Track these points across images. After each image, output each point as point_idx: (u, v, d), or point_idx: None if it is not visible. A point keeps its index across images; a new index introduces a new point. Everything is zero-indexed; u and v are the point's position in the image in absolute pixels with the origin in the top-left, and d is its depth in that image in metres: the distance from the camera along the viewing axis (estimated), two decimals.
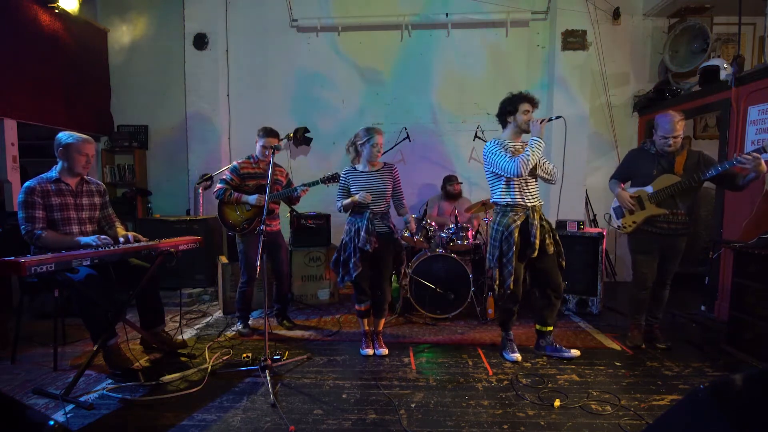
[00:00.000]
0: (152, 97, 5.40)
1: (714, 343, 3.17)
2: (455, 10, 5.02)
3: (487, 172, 2.86)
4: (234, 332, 3.46)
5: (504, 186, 2.79)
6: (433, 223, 3.99)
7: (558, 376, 2.67)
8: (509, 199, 2.78)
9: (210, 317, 3.92)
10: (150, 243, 2.77)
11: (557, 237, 2.86)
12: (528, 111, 2.74)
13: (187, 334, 3.46)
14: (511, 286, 2.77)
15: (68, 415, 2.21)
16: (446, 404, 2.34)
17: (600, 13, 4.90)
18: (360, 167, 2.97)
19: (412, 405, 2.33)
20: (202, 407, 2.29)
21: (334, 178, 3.20)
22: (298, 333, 3.48)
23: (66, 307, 3.09)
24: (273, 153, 3.05)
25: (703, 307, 3.86)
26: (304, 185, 3.29)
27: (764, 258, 2.77)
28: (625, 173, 3.14)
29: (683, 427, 1.09)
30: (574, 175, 4.46)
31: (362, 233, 2.84)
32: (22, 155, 4.18)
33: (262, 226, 2.66)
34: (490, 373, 2.73)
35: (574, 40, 4.90)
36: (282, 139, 3.62)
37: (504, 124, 2.87)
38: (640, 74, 5.08)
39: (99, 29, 5.26)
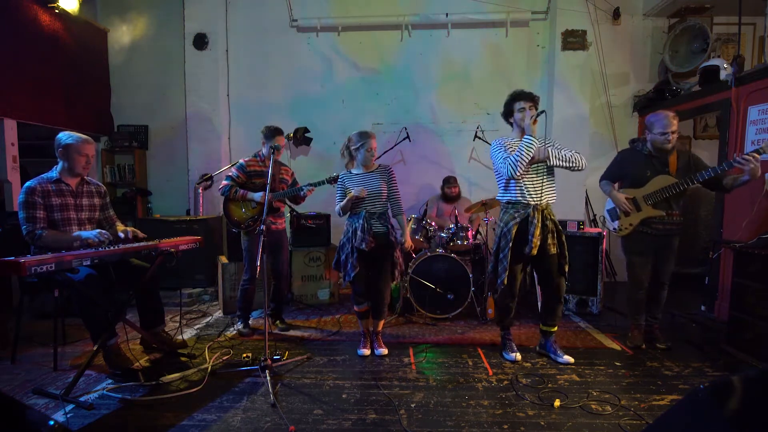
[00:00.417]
0: (152, 97, 5.40)
1: (714, 343, 3.17)
2: (455, 10, 5.02)
3: (494, 170, 2.89)
4: (234, 332, 3.46)
5: (505, 184, 2.83)
6: (432, 223, 3.99)
7: (558, 376, 2.67)
8: (510, 197, 2.81)
9: (210, 317, 3.92)
10: (150, 243, 2.77)
11: (563, 239, 2.79)
12: (523, 108, 2.71)
13: (187, 334, 3.46)
14: (505, 282, 2.78)
15: (68, 415, 2.21)
16: (446, 404, 2.34)
17: (600, 13, 4.90)
18: (355, 170, 2.98)
19: (412, 405, 2.33)
20: (202, 407, 2.29)
21: (338, 179, 3.21)
22: (298, 333, 3.48)
23: (66, 307, 3.09)
24: (273, 152, 3.06)
25: (703, 307, 3.86)
26: (311, 185, 3.30)
27: (764, 258, 2.77)
28: (617, 174, 3.12)
29: (683, 427, 1.09)
30: (574, 175, 4.44)
31: (359, 232, 2.84)
32: (22, 155, 4.18)
33: (262, 227, 2.65)
34: (490, 373, 2.73)
35: (574, 40, 4.90)
36: None
37: (510, 124, 2.88)
38: (640, 74, 5.08)
39: (99, 29, 5.26)
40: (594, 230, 4.00)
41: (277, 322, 3.57)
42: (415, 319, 3.78)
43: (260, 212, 3.32)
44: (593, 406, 2.30)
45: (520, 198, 2.75)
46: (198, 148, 5.19)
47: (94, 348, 2.57)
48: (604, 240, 3.89)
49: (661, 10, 4.78)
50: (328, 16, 5.12)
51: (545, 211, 2.75)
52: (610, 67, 4.97)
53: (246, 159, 3.42)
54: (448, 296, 3.70)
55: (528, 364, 2.86)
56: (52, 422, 1.25)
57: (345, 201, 2.89)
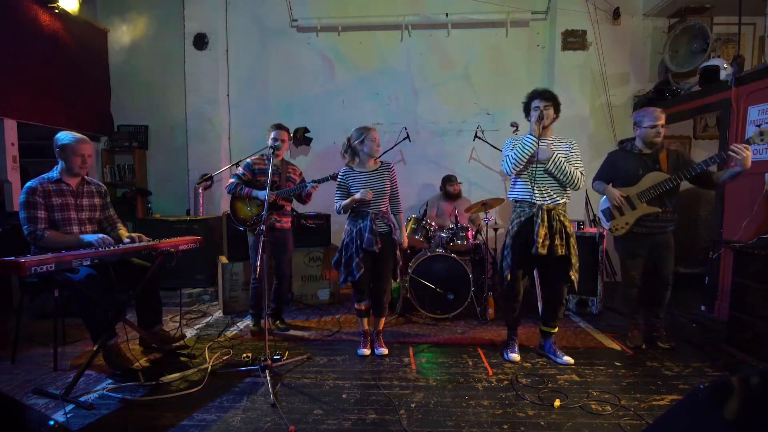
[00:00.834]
0: (152, 97, 5.41)
1: (714, 343, 3.17)
2: (455, 10, 5.02)
3: None
4: (234, 332, 3.46)
5: (513, 182, 2.85)
6: (432, 223, 3.99)
7: (558, 376, 2.67)
8: (516, 195, 2.83)
9: (210, 317, 3.92)
10: (150, 243, 2.77)
11: (571, 242, 2.71)
12: (538, 107, 2.70)
13: (187, 334, 3.45)
14: (508, 278, 2.80)
15: (68, 415, 2.21)
16: (446, 404, 2.34)
17: (600, 13, 4.90)
18: (357, 168, 2.97)
19: (412, 405, 2.33)
20: (202, 407, 2.29)
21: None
22: (298, 333, 3.48)
23: (66, 307, 3.09)
24: (273, 152, 3.06)
25: (703, 307, 3.86)
26: (315, 182, 3.31)
27: (764, 258, 2.77)
28: (609, 175, 3.11)
29: (683, 427, 1.09)
30: None
31: (366, 234, 2.82)
32: (22, 155, 4.19)
33: (262, 226, 2.65)
34: (490, 373, 2.73)
35: (574, 40, 4.90)
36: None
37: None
38: (640, 74, 5.08)
39: (99, 29, 5.26)
40: (594, 230, 4.00)
41: (277, 322, 3.57)
42: (415, 319, 3.78)
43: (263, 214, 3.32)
44: (593, 406, 2.30)
45: (526, 196, 2.75)
46: (198, 148, 5.19)
47: (94, 348, 2.57)
48: (604, 240, 3.89)
49: (661, 10, 4.78)
50: (328, 16, 5.12)
51: (553, 211, 2.70)
52: (610, 67, 4.97)
53: (252, 158, 3.46)
54: (448, 296, 3.70)
55: (528, 364, 2.86)
56: (52, 422, 1.25)
57: (347, 201, 2.87)
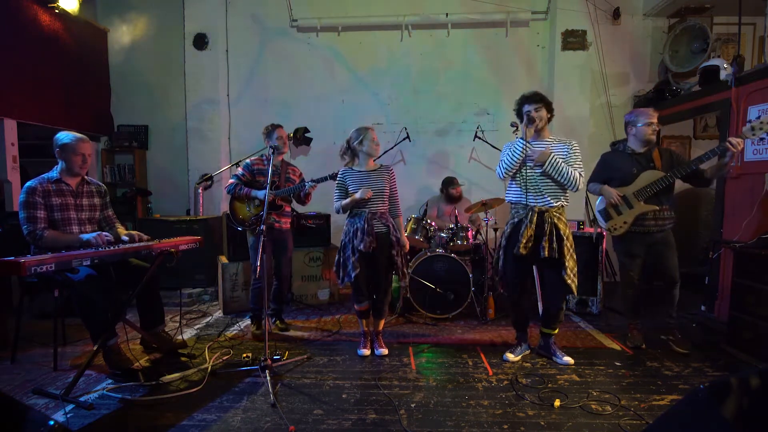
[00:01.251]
0: (152, 97, 5.40)
1: (714, 343, 3.17)
2: (455, 10, 5.02)
3: None
4: (234, 332, 3.46)
5: (508, 184, 2.87)
6: (432, 223, 3.99)
7: (558, 376, 2.68)
8: (510, 197, 2.85)
9: (210, 317, 3.92)
10: (150, 243, 2.77)
11: (564, 244, 2.67)
12: (530, 111, 2.70)
13: (187, 334, 3.46)
14: (503, 279, 2.84)
15: (68, 415, 2.21)
16: (446, 404, 2.34)
17: (600, 13, 4.89)
18: (357, 168, 2.97)
19: (412, 405, 2.33)
20: (202, 407, 2.29)
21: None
22: (298, 333, 3.48)
23: (66, 307, 3.09)
24: (273, 152, 3.05)
25: (703, 307, 3.86)
26: (313, 181, 3.30)
27: (764, 258, 2.77)
28: (603, 176, 3.11)
29: (683, 427, 1.09)
30: None
31: (360, 233, 2.83)
32: (22, 155, 4.19)
33: (262, 226, 2.66)
34: (490, 373, 2.73)
35: (574, 40, 4.90)
36: None
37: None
38: (640, 74, 5.08)
39: (99, 29, 5.26)
40: (594, 230, 4.00)
41: (277, 322, 3.57)
42: (415, 319, 3.78)
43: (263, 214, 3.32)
44: (593, 406, 2.30)
45: (519, 199, 2.76)
46: (198, 148, 5.19)
47: (94, 348, 2.57)
48: (604, 240, 3.89)
49: (661, 10, 4.78)
50: (328, 16, 5.11)
51: (546, 213, 2.70)
52: (610, 67, 4.97)
53: (252, 158, 3.46)
54: (448, 296, 3.70)
55: (528, 364, 2.86)
56: (52, 422, 1.25)
57: (347, 201, 2.88)
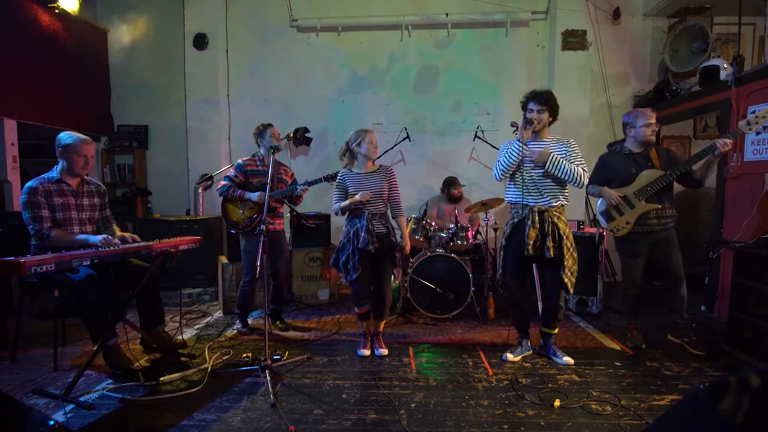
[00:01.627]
0: (152, 97, 5.40)
1: (714, 343, 3.16)
2: (455, 10, 5.02)
3: None
4: (234, 332, 3.46)
5: (508, 185, 2.86)
6: (432, 223, 3.99)
7: (558, 376, 2.67)
8: (509, 198, 2.85)
9: (210, 317, 3.92)
10: (150, 243, 2.77)
11: (564, 244, 2.66)
12: (532, 110, 2.70)
13: (187, 334, 3.46)
14: (504, 279, 2.83)
15: (68, 415, 2.21)
16: (446, 404, 2.34)
17: (600, 13, 4.90)
18: (356, 169, 2.97)
19: (412, 405, 2.33)
20: (202, 407, 2.29)
21: (335, 177, 3.22)
22: (297, 333, 3.48)
23: (66, 307, 3.09)
24: (273, 153, 3.05)
25: (703, 307, 3.86)
26: (307, 183, 3.30)
27: (764, 258, 2.77)
28: (602, 177, 3.11)
29: (683, 427, 1.09)
30: None
31: (362, 234, 2.83)
32: (22, 155, 4.18)
33: (263, 226, 2.66)
34: (490, 373, 2.73)
35: (574, 40, 4.90)
36: (282, 139, 3.62)
37: None
38: (640, 74, 5.08)
39: (99, 29, 5.25)
40: (594, 230, 4.00)
41: (277, 322, 3.57)
42: (415, 319, 3.78)
43: (258, 212, 3.32)
44: (593, 406, 2.30)
45: (518, 199, 2.76)
46: (198, 148, 5.19)
47: (94, 348, 2.57)
48: (604, 240, 3.89)
49: (661, 10, 4.78)
50: (328, 16, 5.11)
51: (546, 213, 2.69)
52: (610, 67, 4.97)
53: (244, 159, 3.43)
54: (448, 296, 3.70)
55: (528, 364, 2.86)
56: (52, 422, 1.25)
57: (346, 203, 2.88)
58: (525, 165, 2.73)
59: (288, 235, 4.53)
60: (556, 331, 2.93)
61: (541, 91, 2.72)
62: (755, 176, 3.38)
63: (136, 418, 2.21)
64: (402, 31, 5.13)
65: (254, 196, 3.29)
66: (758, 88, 3.41)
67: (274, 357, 2.86)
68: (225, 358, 2.94)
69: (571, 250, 2.71)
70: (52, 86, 4.49)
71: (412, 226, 3.93)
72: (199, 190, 5.00)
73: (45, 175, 2.72)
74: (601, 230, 3.85)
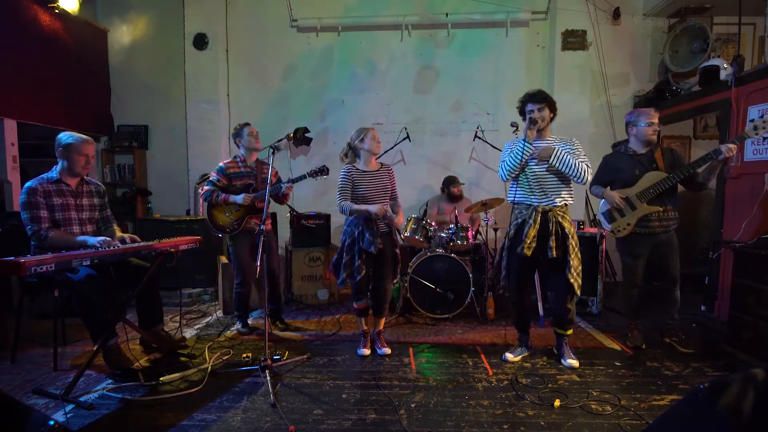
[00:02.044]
0: (152, 97, 5.40)
1: (714, 343, 3.17)
2: (455, 10, 5.02)
3: None
4: (234, 332, 3.46)
5: (512, 184, 2.84)
6: (433, 223, 3.99)
7: (558, 376, 2.67)
8: (514, 197, 2.83)
9: (210, 317, 3.92)
10: (150, 243, 2.77)
11: (570, 244, 2.64)
12: (532, 111, 2.68)
13: (187, 334, 3.46)
14: (505, 279, 2.83)
15: (68, 415, 2.21)
16: (446, 404, 2.34)
17: (600, 13, 4.90)
18: (360, 167, 2.97)
19: (412, 405, 2.33)
20: (202, 407, 2.29)
21: (321, 171, 3.20)
22: (297, 333, 3.48)
23: (66, 307, 3.09)
24: (273, 153, 3.02)
25: (703, 307, 3.86)
26: (290, 181, 3.26)
27: (764, 258, 2.77)
28: (606, 178, 3.10)
29: (683, 427, 1.09)
30: None
31: (367, 235, 2.82)
32: (22, 155, 4.18)
33: (262, 226, 2.66)
34: (490, 373, 2.73)
35: (574, 40, 4.90)
36: (282, 139, 3.62)
37: None
38: (640, 74, 5.08)
39: (99, 29, 5.25)
40: (594, 230, 4.00)
41: (277, 322, 3.57)
42: (415, 319, 3.78)
43: (244, 215, 3.31)
44: (593, 406, 2.30)
45: (523, 199, 2.75)
46: (198, 148, 5.19)
47: (94, 348, 2.57)
48: (604, 240, 3.89)
49: (661, 10, 4.78)
50: (328, 16, 5.11)
51: (550, 213, 2.67)
52: (610, 67, 4.97)
53: (225, 162, 3.38)
54: (448, 296, 3.70)
55: (528, 364, 2.86)
56: (52, 422, 1.25)
57: (359, 208, 2.82)
58: (530, 164, 2.72)
59: (288, 235, 4.53)
60: (569, 332, 2.86)
61: (534, 91, 2.71)
62: (755, 176, 3.38)
63: (136, 418, 2.21)
64: (402, 31, 5.13)
65: (239, 198, 3.25)
66: (758, 88, 3.41)
67: (274, 357, 2.86)
68: (225, 358, 2.94)
69: (576, 250, 2.69)
70: (52, 86, 4.49)
71: (412, 226, 3.92)
72: (199, 190, 5.00)
73: (44, 176, 2.72)
74: (602, 231, 3.85)
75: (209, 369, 2.71)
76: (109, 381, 2.59)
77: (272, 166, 2.85)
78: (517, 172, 2.74)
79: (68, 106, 4.70)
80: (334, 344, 3.25)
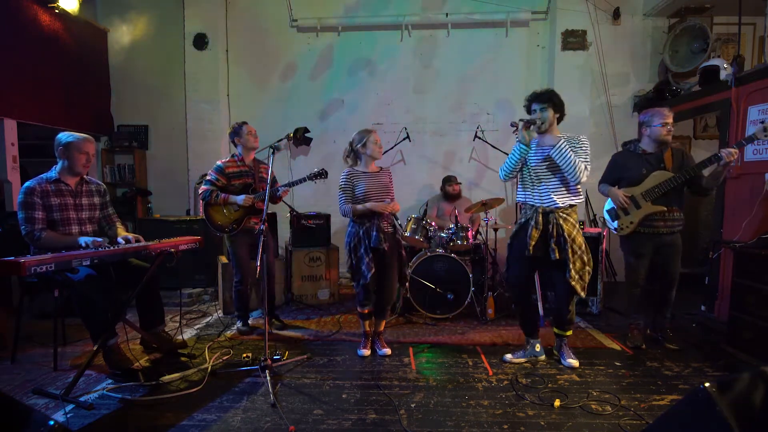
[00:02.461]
0: (152, 97, 5.40)
1: (714, 343, 3.17)
2: (455, 10, 5.03)
3: None
4: (234, 332, 3.46)
5: (518, 185, 2.84)
6: (433, 223, 3.99)
7: (558, 376, 2.67)
8: (519, 198, 2.83)
9: (210, 317, 3.92)
10: (150, 243, 2.76)
11: (572, 246, 2.59)
12: (535, 111, 2.69)
13: (187, 334, 3.46)
14: (509, 280, 2.84)
15: (68, 415, 2.21)
16: (446, 404, 2.34)
17: (600, 13, 4.90)
18: (361, 169, 2.97)
19: (412, 405, 2.33)
20: (202, 407, 2.29)
21: (320, 175, 3.21)
22: (298, 333, 3.48)
23: (66, 307, 3.09)
24: (273, 153, 3.02)
25: (703, 307, 3.86)
26: (288, 185, 3.28)
27: (764, 258, 2.77)
28: (614, 176, 3.11)
29: (683, 427, 1.09)
30: None
31: (374, 233, 2.82)
32: (22, 155, 4.18)
33: (263, 226, 2.66)
34: (490, 373, 2.73)
35: (574, 40, 4.90)
36: (282, 139, 3.62)
37: None
38: (640, 74, 5.08)
39: (99, 29, 5.25)
40: (594, 230, 4.00)
41: (273, 320, 3.57)
42: (415, 319, 3.78)
43: (243, 215, 3.31)
44: (593, 406, 2.30)
45: (527, 199, 2.75)
46: (198, 148, 5.19)
47: (94, 348, 2.57)
48: (604, 240, 3.89)
49: (661, 10, 4.78)
50: (328, 16, 5.12)
51: (551, 214, 2.64)
52: (610, 67, 4.97)
53: (223, 161, 3.36)
54: (448, 296, 3.70)
55: (528, 365, 2.86)
56: (52, 422, 1.25)
57: (362, 208, 2.82)
58: (531, 165, 2.71)
59: (288, 235, 4.53)
60: (569, 333, 2.85)
61: (542, 90, 2.70)
62: (755, 176, 3.38)
63: (136, 418, 2.21)
64: (402, 31, 5.13)
65: (239, 199, 3.25)
66: (758, 88, 3.41)
67: (274, 357, 2.86)
68: (225, 358, 2.94)
69: (579, 252, 2.63)
70: (52, 86, 4.49)
71: (412, 226, 3.92)
72: (199, 190, 5.00)
73: (43, 175, 2.72)
74: (602, 231, 3.86)
75: (209, 369, 2.71)
76: (109, 381, 2.59)
77: (271, 166, 2.84)
78: (514, 173, 2.74)
79: (68, 106, 4.70)
80: (334, 344, 3.25)
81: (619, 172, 3.07)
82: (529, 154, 2.71)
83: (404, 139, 4.87)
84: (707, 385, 1.03)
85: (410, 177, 5.19)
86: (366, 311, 3.01)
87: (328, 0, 5.15)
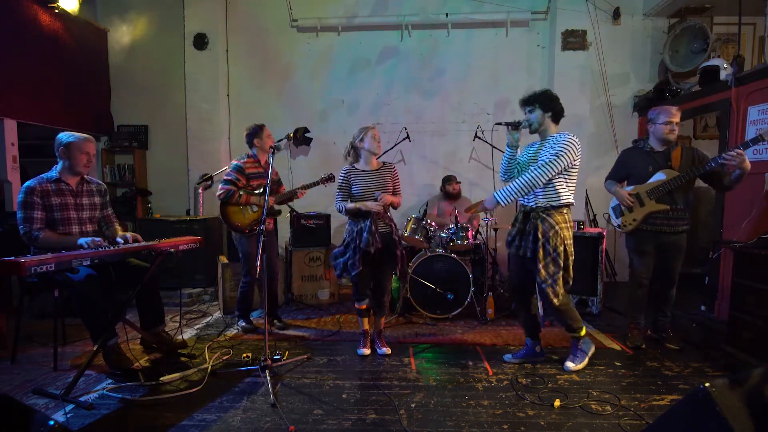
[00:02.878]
0: (152, 97, 5.40)
1: (714, 343, 3.17)
2: (455, 10, 5.03)
3: None
4: (234, 332, 3.46)
5: None
6: (433, 223, 3.99)
7: (558, 376, 2.67)
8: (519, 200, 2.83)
9: (210, 317, 3.92)
10: (150, 243, 2.76)
11: (545, 247, 2.54)
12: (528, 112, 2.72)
13: (187, 334, 3.46)
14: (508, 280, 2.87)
15: (68, 415, 2.21)
16: (446, 404, 2.34)
17: (600, 13, 4.90)
18: (360, 166, 2.97)
19: (412, 405, 2.33)
20: (202, 407, 2.29)
21: (330, 179, 3.28)
22: (297, 333, 3.48)
23: (66, 307, 3.09)
24: (273, 153, 3.03)
25: (703, 307, 3.86)
26: (304, 187, 3.32)
27: (764, 258, 2.77)
28: (621, 173, 3.14)
29: (683, 426, 1.09)
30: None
31: (365, 234, 2.82)
32: (22, 155, 4.18)
33: (263, 226, 2.66)
34: (490, 373, 2.73)
35: (574, 40, 4.90)
36: (282, 140, 3.62)
37: None
38: (640, 74, 5.08)
39: (99, 29, 5.25)
40: (594, 230, 4.00)
41: (275, 321, 3.57)
42: (415, 319, 3.78)
43: (261, 216, 3.31)
44: (593, 406, 2.30)
45: (519, 199, 2.75)
46: (198, 148, 5.19)
47: (94, 348, 2.57)
48: (604, 240, 3.89)
49: (661, 10, 4.78)
50: (328, 16, 5.12)
51: (532, 213, 2.62)
52: (610, 67, 4.97)
53: (242, 161, 3.36)
54: (448, 296, 3.70)
55: (528, 365, 2.86)
56: (52, 422, 1.25)
57: (353, 206, 2.83)
58: (522, 165, 2.76)
59: (288, 235, 4.53)
60: (573, 334, 2.77)
61: (529, 94, 2.71)
62: (755, 176, 3.37)
63: (136, 418, 2.21)
64: (402, 31, 5.13)
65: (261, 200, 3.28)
66: (758, 88, 3.41)
67: (274, 357, 2.86)
68: (225, 358, 2.94)
69: (553, 254, 2.54)
70: (52, 86, 4.49)
71: (412, 226, 3.92)
72: (199, 190, 5.00)
73: (44, 175, 2.72)
74: (603, 231, 3.86)
75: (209, 369, 2.71)
76: (109, 381, 2.59)
77: (272, 166, 2.85)
78: (510, 173, 2.82)
79: (68, 106, 4.70)
80: (334, 344, 3.25)
81: (627, 169, 3.09)
82: (521, 155, 2.80)
83: (404, 139, 4.87)
84: (707, 385, 1.03)
85: (410, 177, 5.19)
86: (363, 307, 3.02)
87: (328, 0, 5.15)
